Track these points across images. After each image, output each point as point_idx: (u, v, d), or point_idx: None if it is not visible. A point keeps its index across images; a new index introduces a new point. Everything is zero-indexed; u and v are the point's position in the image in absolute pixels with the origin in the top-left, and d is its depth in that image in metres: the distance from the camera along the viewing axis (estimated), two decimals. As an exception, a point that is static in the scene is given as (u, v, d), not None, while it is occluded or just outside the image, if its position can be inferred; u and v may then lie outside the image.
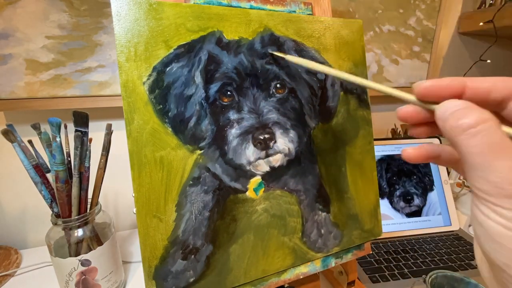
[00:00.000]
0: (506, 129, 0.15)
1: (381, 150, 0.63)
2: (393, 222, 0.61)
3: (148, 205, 0.26)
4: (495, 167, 0.13)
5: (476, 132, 0.14)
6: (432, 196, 0.64)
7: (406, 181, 0.63)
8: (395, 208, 0.62)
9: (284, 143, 0.31)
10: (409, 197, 0.62)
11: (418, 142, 0.66)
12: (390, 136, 0.85)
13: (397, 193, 0.62)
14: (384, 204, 0.61)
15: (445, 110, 0.15)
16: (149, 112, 0.26)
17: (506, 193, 0.13)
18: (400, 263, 0.51)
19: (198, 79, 0.28)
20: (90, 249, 0.40)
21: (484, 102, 0.16)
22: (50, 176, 0.40)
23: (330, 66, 0.35)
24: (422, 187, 0.64)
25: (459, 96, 0.16)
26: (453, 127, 0.14)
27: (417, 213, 0.62)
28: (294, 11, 0.35)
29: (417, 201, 0.62)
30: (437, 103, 0.16)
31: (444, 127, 0.15)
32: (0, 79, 0.49)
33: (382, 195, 0.62)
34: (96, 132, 0.47)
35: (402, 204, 0.62)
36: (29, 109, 0.51)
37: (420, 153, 0.19)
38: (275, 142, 0.31)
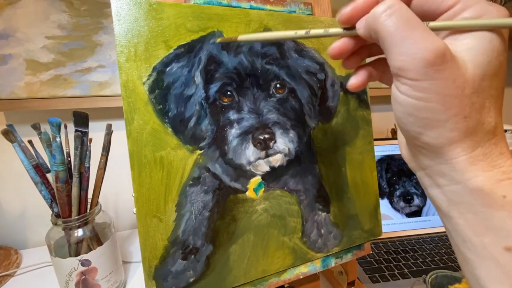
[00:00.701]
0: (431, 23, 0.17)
1: (381, 150, 0.63)
2: (393, 222, 0.61)
3: (148, 205, 0.26)
4: (411, 40, 0.15)
5: (391, 12, 0.16)
6: None
7: (406, 181, 0.63)
8: (395, 208, 0.62)
9: (284, 143, 0.31)
10: (409, 197, 0.62)
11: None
12: (390, 136, 0.85)
13: (397, 193, 0.62)
14: (384, 204, 0.61)
15: (367, 16, 0.17)
16: (149, 112, 0.26)
17: (420, 64, 0.15)
18: (400, 263, 0.51)
19: (198, 79, 0.28)
20: (90, 249, 0.40)
21: None
22: (50, 176, 0.40)
23: (330, 65, 0.35)
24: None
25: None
26: (373, 18, 0.16)
27: (417, 213, 0.62)
28: (294, 11, 0.35)
29: (417, 201, 0.62)
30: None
31: (365, 26, 0.17)
32: (0, 79, 0.49)
33: (382, 195, 0.62)
34: (96, 132, 0.47)
35: (402, 204, 0.62)
36: (29, 109, 0.51)
37: (360, 79, 0.21)
38: (275, 142, 0.31)
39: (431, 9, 0.18)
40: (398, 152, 0.64)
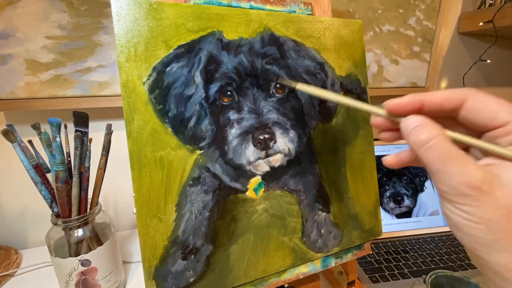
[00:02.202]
0: (452, 134, 0.18)
1: (386, 150, 0.63)
2: (383, 223, 0.60)
3: (148, 205, 0.26)
4: (448, 172, 0.16)
5: (429, 146, 0.17)
6: (423, 196, 0.63)
7: (396, 182, 0.62)
8: (385, 209, 0.61)
9: (284, 143, 0.31)
10: (399, 198, 0.62)
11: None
12: (390, 136, 0.85)
13: (387, 194, 0.62)
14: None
15: (407, 126, 0.19)
16: (149, 112, 0.26)
17: (459, 192, 0.16)
18: (400, 263, 0.51)
19: (198, 79, 0.28)
20: (90, 249, 0.40)
21: (440, 112, 0.19)
22: (50, 176, 0.40)
23: (330, 66, 0.35)
24: (413, 187, 0.63)
25: (419, 110, 0.19)
26: (413, 143, 0.18)
27: (407, 214, 0.62)
28: (294, 11, 0.35)
29: (407, 202, 0.62)
30: (404, 116, 0.19)
31: (407, 140, 0.19)
32: (0, 79, 0.49)
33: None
34: (96, 132, 0.47)
35: (392, 205, 0.61)
36: (29, 109, 0.51)
37: (399, 159, 0.22)
38: (275, 142, 0.31)
39: (481, 122, 0.18)
40: (389, 153, 0.63)
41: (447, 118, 0.20)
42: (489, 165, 0.18)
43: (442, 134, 0.17)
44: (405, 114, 0.19)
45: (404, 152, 0.22)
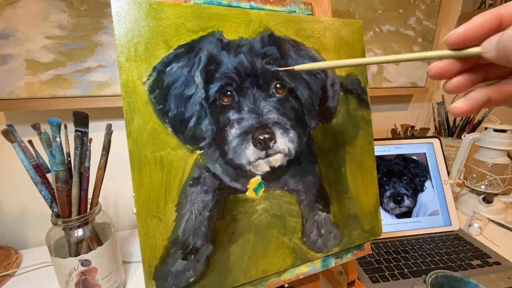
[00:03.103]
0: None
1: (386, 150, 0.63)
2: (383, 223, 0.60)
3: (148, 205, 0.26)
4: None
5: None
6: (423, 196, 0.63)
7: (396, 182, 0.62)
8: (385, 209, 0.61)
9: (284, 143, 0.31)
10: (399, 198, 0.61)
11: (418, 143, 0.66)
12: (390, 136, 0.85)
13: (387, 193, 0.62)
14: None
15: (495, 37, 0.14)
16: (149, 112, 0.26)
17: None
18: (400, 263, 0.51)
19: (198, 79, 0.28)
20: (90, 249, 0.40)
21: None
22: (50, 176, 0.40)
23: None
24: (413, 187, 0.63)
25: (497, 30, 0.14)
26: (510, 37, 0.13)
27: (407, 214, 0.62)
28: (294, 11, 0.35)
29: (407, 202, 0.62)
30: (477, 45, 0.15)
31: (498, 49, 0.14)
32: (0, 79, 0.49)
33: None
34: (96, 132, 0.47)
35: (392, 205, 0.61)
36: (29, 109, 0.51)
37: (472, 102, 0.17)
38: (275, 142, 0.31)
39: None
40: (389, 153, 0.64)
41: None
42: None
43: None
44: (479, 42, 0.15)
45: (476, 93, 0.17)
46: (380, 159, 0.63)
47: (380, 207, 0.60)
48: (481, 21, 0.15)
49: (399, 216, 0.61)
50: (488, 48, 0.14)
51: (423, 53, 0.17)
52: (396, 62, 0.18)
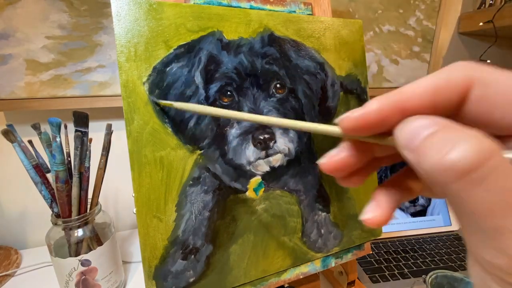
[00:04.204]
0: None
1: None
2: (398, 222, 0.61)
3: (148, 205, 0.26)
4: None
5: (481, 177, 0.08)
6: None
7: None
8: (400, 208, 0.62)
9: (284, 143, 0.31)
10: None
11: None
12: (390, 136, 0.85)
13: None
14: (387, 204, 0.61)
15: (416, 132, 0.10)
16: (149, 112, 0.26)
17: None
18: (400, 263, 0.51)
19: (198, 79, 0.28)
20: (90, 249, 0.40)
21: (432, 113, 0.11)
22: (50, 176, 0.40)
23: (330, 66, 0.35)
24: None
25: (398, 121, 0.11)
26: (441, 169, 0.09)
27: (422, 212, 0.62)
28: (294, 11, 0.35)
29: (421, 200, 0.62)
30: (374, 136, 0.12)
31: (420, 164, 0.10)
32: (0, 79, 0.49)
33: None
34: (96, 132, 0.47)
35: (406, 203, 0.62)
36: (29, 109, 0.51)
37: (382, 212, 0.13)
38: (275, 142, 0.31)
39: (502, 121, 0.11)
40: None
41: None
42: None
43: (499, 150, 0.09)
44: (374, 133, 0.12)
45: (384, 201, 0.13)
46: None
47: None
48: (378, 108, 0.11)
49: (414, 214, 0.62)
50: (405, 145, 0.11)
51: (316, 125, 0.14)
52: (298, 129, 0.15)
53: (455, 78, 0.11)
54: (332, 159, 0.13)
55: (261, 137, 0.30)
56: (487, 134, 0.09)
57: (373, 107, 0.11)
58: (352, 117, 0.12)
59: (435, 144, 0.09)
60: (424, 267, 0.50)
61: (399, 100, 0.11)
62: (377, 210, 0.13)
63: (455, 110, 0.11)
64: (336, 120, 0.13)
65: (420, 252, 0.54)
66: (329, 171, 0.13)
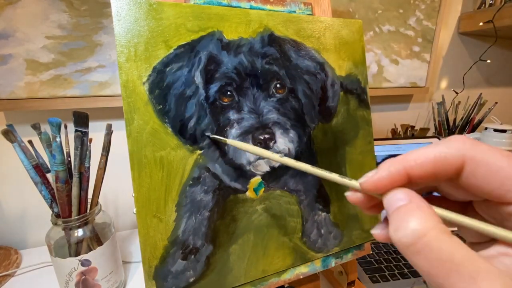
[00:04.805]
0: (446, 213, 0.13)
1: (386, 150, 0.63)
2: None
3: (148, 205, 0.26)
4: None
5: (418, 249, 0.12)
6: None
7: None
8: None
9: (284, 143, 0.31)
10: None
11: (418, 143, 0.66)
12: (390, 136, 0.85)
13: None
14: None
15: (389, 206, 0.14)
16: (149, 112, 0.26)
17: None
18: (400, 263, 0.51)
19: (198, 79, 0.28)
20: (90, 249, 0.40)
21: (433, 182, 0.14)
22: (50, 176, 0.40)
23: (330, 66, 0.35)
24: None
25: (405, 184, 0.14)
26: (397, 239, 0.12)
27: None
28: (294, 11, 0.35)
29: None
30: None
31: (390, 235, 0.13)
32: (0, 79, 0.49)
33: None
34: (96, 132, 0.47)
35: None
36: (29, 109, 0.51)
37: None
38: (275, 142, 0.31)
39: (489, 193, 0.13)
40: (401, 152, 0.64)
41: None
42: (503, 255, 0.13)
43: (436, 228, 0.12)
44: (387, 191, 0.15)
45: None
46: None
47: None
48: (388, 174, 0.14)
49: None
50: (388, 210, 0.14)
51: (340, 178, 0.18)
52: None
53: (451, 155, 0.13)
54: (355, 196, 0.17)
55: (261, 137, 0.30)
56: (436, 213, 0.13)
57: (383, 175, 0.14)
58: (370, 181, 0.15)
59: (394, 220, 0.13)
60: (424, 267, 0.50)
61: (404, 168, 0.14)
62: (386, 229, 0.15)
63: (454, 178, 0.14)
64: (359, 180, 0.16)
65: (420, 252, 0.54)
66: (355, 202, 0.17)
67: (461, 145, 0.13)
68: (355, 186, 0.16)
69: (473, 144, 0.13)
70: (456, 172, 0.14)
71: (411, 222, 0.12)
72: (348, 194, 0.17)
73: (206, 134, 0.29)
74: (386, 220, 0.16)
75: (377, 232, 0.16)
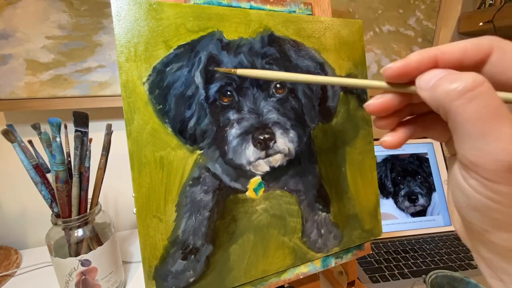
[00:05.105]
0: (501, 94, 0.14)
1: (386, 150, 0.63)
2: (398, 222, 0.61)
3: (148, 205, 0.26)
4: (496, 135, 0.12)
5: (473, 96, 0.12)
6: (437, 195, 0.64)
7: (411, 181, 0.63)
8: (400, 208, 0.62)
9: (284, 143, 0.31)
10: (414, 197, 0.62)
11: (418, 143, 0.66)
12: (390, 136, 0.85)
13: (402, 192, 0.63)
14: (389, 204, 0.61)
15: (432, 77, 0.14)
16: (149, 112, 0.26)
17: (501, 166, 0.12)
18: (400, 263, 0.51)
19: (198, 79, 0.28)
20: (90, 249, 0.40)
21: (458, 70, 0.15)
22: (50, 176, 0.40)
23: (330, 66, 0.35)
24: (427, 186, 0.64)
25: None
26: (447, 92, 0.13)
27: (422, 212, 0.62)
28: (294, 11, 0.35)
29: (421, 200, 0.63)
30: (410, 84, 0.15)
31: (433, 95, 0.14)
32: (0, 79, 0.49)
33: (387, 195, 0.62)
34: (96, 132, 0.47)
35: (407, 203, 0.62)
36: (29, 109, 0.51)
37: (399, 138, 0.18)
38: (275, 142, 0.31)
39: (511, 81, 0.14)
40: (402, 152, 0.64)
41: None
42: None
43: (489, 83, 0.13)
44: (409, 80, 0.15)
45: (404, 129, 0.18)
46: (395, 159, 0.64)
47: (396, 206, 0.61)
48: (417, 59, 0.15)
49: (414, 215, 0.62)
50: (423, 87, 0.15)
51: (364, 81, 0.18)
52: (335, 84, 0.20)
53: (482, 43, 0.15)
54: (379, 100, 0.17)
55: (261, 137, 0.30)
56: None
57: (414, 58, 0.15)
58: (395, 66, 0.15)
59: (444, 80, 0.14)
60: (424, 267, 0.50)
61: (435, 54, 0.15)
62: (394, 136, 0.18)
63: (479, 65, 0.15)
64: (381, 70, 0.16)
65: (420, 252, 0.54)
66: (374, 111, 0.17)
67: (491, 38, 0.15)
68: (381, 85, 0.16)
69: (502, 39, 0.15)
70: (483, 58, 0.15)
71: (468, 75, 0.13)
72: (369, 101, 0.17)
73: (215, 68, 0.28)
74: (397, 128, 0.18)
75: (388, 138, 0.18)
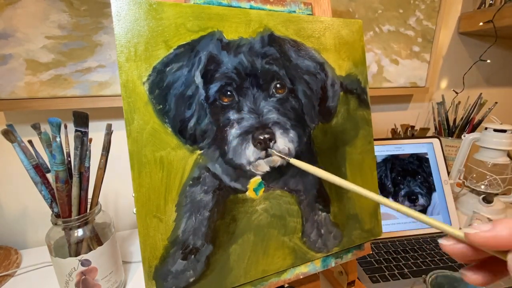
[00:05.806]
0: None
1: (386, 150, 0.63)
2: (398, 222, 0.61)
3: (148, 205, 0.26)
4: None
5: None
6: (437, 195, 0.64)
7: (411, 181, 0.63)
8: None
9: (284, 143, 0.31)
10: (414, 197, 0.62)
11: (418, 142, 0.66)
12: (390, 136, 0.85)
13: (402, 192, 0.63)
14: (389, 204, 0.61)
15: None
16: (149, 112, 0.26)
17: None
18: (400, 263, 0.51)
19: (198, 79, 0.28)
20: (90, 249, 0.40)
21: None
22: (50, 176, 0.40)
23: (330, 65, 0.35)
24: (427, 186, 0.64)
25: None
26: None
27: (422, 212, 0.62)
28: (294, 11, 0.35)
29: (421, 200, 0.63)
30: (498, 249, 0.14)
31: None
32: (0, 79, 0.49)
33: (387, 195, 0.62)
34: (96, 132, 0.47)
35: (406, 203, 0.62)
36: (29, 109, 0.51)
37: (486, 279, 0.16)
38: (275, 142, 0.31)
39: None
40: (402, 152, 0.64)
41: None
42: None
43: None
44: (500, 248, 0.14)
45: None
46: (395, 158, 0.64)
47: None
48: (508, 233, 0.13)
49: None
50: None
51: (442, 225, 0.16)
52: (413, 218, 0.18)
53: None
54: (451, 246, 0.16)
55: (261, 137, 0.30)
56: None
57: (504, 233, 0.13)
58: (482, 235, 0.14)
59: None
60: (424, 267, 0.50)
61: None
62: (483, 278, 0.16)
63: None
64: (464, 230, 0.14)
65: (420, 252, 0.54)
66: (451, 254, 0.16)
67: None
68: (458, 236, 0.15)
69: None
70: None
71: None
72: (444, 242, 0.16)
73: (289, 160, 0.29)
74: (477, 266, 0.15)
75: (475, 277, 0.16)
